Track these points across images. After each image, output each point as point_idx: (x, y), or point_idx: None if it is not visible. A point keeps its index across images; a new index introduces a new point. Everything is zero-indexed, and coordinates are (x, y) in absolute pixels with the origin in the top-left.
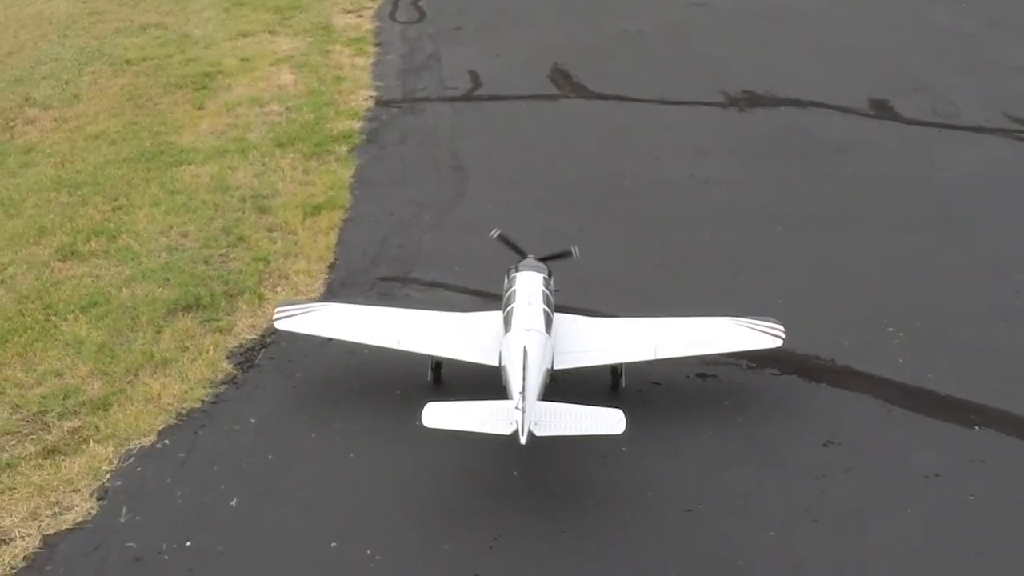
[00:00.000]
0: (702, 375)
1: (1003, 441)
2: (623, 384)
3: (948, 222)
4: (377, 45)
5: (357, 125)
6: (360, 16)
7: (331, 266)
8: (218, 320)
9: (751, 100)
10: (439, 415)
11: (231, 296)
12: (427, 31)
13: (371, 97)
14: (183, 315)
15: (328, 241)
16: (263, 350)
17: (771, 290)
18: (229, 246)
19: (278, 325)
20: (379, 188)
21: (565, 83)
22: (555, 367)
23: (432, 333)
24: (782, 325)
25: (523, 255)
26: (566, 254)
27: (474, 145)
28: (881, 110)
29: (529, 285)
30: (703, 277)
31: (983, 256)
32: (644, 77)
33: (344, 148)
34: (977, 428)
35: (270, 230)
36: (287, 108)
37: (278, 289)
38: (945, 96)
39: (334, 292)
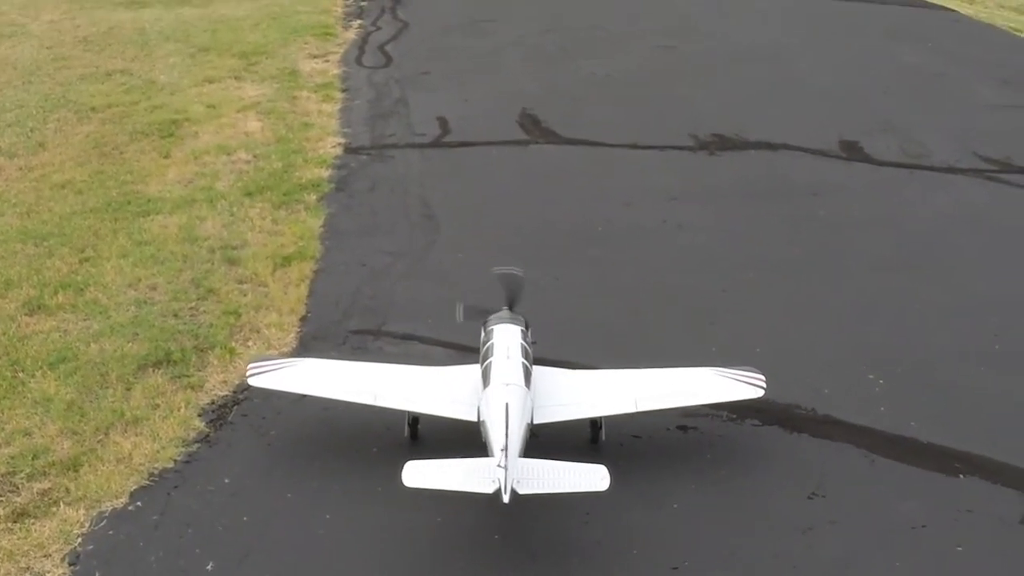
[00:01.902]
0: (683, 427)
1: (989, 489)
2: (603, 437)
3: (923, 264)
4: (344, 91)
5: (326, 173)
6: (326, 61)
7: (303, 319)
8: (189, 376)
9: (721, 143)
10: (420, 474)
11: (202, 351)
12: (394, 76)
13: (339, 144)
14: (153, 371)
15: (299, 293)
16: (236, 407)
17: (749, 337)
18: (199, 299)
19: (252, 382)
20: (349, 237)
21: (535, 128)
22: (535, 421)
23: (408, 388)
24: (763, 375)
25: (495, 310)
26: (516, 284)
27: (445, 193)
28: (852, 151)
29: (507, 338)
30: (680, 325)
31: (960, 298)
32: (614, 121)
33: (313, 197)
34: (962, 476)
35: (240, 282)
36: (255, 156)
37: (249, 343)
38: (914, 136)
39: (306, 346)
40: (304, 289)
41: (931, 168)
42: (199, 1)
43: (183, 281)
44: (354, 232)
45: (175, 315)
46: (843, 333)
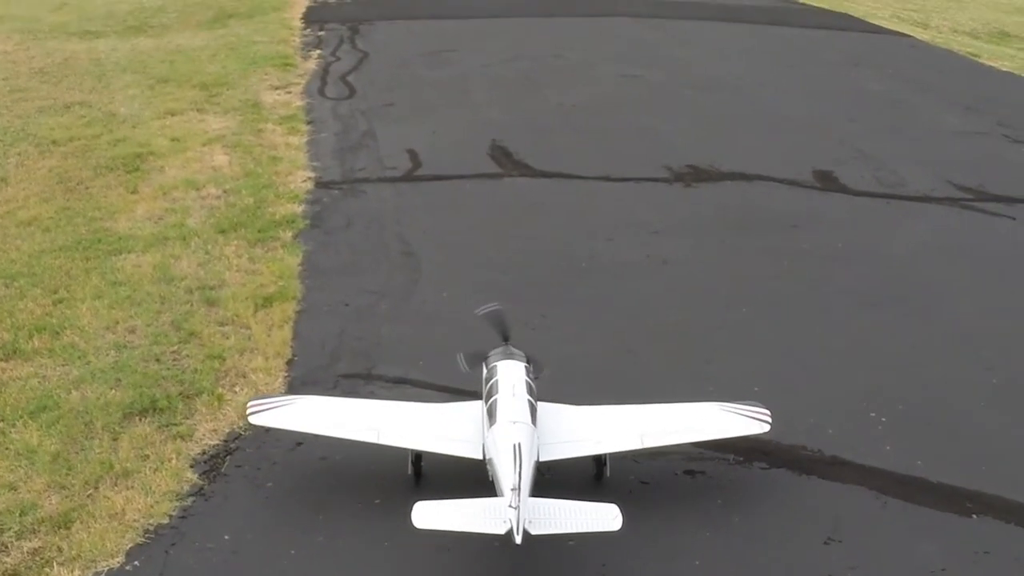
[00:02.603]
0: (690, 472)
1: (1003, 530)
2: (607, 474)
3: (909, 296)
4: (309, 123)
5: (299, 209)
6: (289, 92)
7: (289, 363)
8: (177, 425)
9: (696, 175)
10: (430, 515)
11: (188, 397)
12: (359, 107)
13: (310, 178)
14: (140, 420)
15: (283, 335)
16: (228, 457)
17: (747, 375)
18: (180, 342)
19: (252, 420)
20: (330, 276)
21: (507, 161)
22: (541, 459)
23: (411, 425)
24: (768, 410)
25: (506, 340)
26: (502, 318)
27: (422, 228)
28: (827, 181)
29: (512, 375)
30: (676, 364)
31: (949, 331)
32: (585, 152)
33: (289, 234)
34: (975, 516)
35: (221, 324)
36: (224, 191)
37: (236, 389)
38: (887, 165)
39: (296, 391)
40: (288, 331)
41: (907, 197)
42: (153, 31)
43: (162, 323)
44: (334, 271)
45: (157, 360)
46: (839, 370)
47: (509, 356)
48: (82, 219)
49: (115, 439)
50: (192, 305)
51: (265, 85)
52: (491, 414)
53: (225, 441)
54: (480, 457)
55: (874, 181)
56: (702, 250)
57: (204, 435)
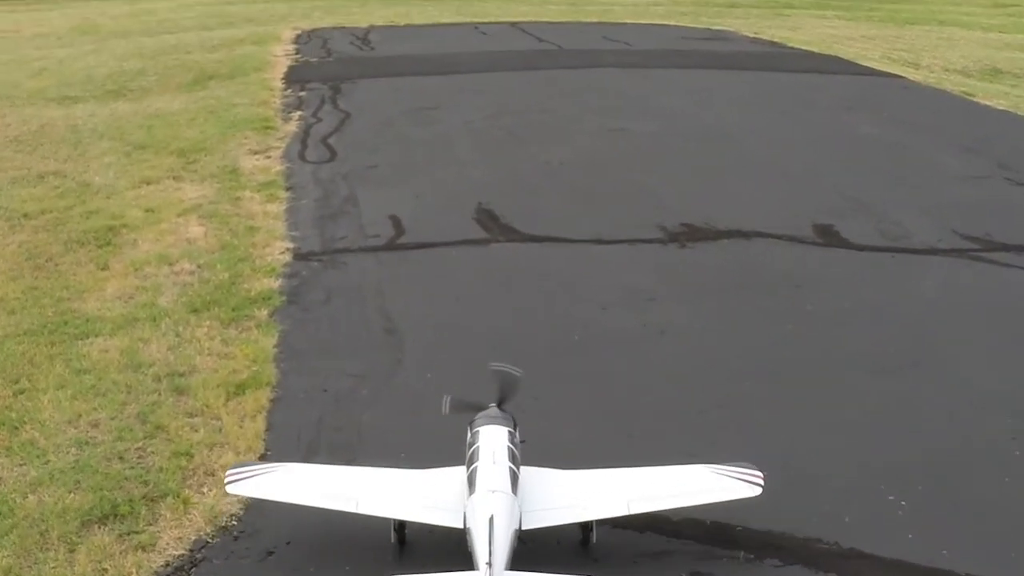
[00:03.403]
0: (696, 574)
1: None
2: (594, 540)
3: (923, 360)
4: (288, 189)
5: (276, 284)
6: (268, 157)
7: (262, 458)
8: (139, 533)
9: (691, 234)
10: None
11: (152, 501)
12: (340, 171)
13: (288, 250)
14: (99, 528)
15: (256, 427)
16: (193, 569)
17: (754, 459)
18: (146, 437)
19: (230, 489)
20: (307, 359)
21: (493, 225)
22: (523, 527)
23: (392, 493)
24: (760, 472)
25: (483, 407)
26: (512, 384)
27: (405, 302)
28: (828, 236)
29: (493, 440)
30: (678, 447)
31: (967, 398)
32: (575, 213)
33: (264, 312)
34: None
35: (191, 415)
36: (199, 266)
37: (204, 489)
38: (889, 216)
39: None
40: (261, 422)
41: (912, 251)
42: (133, 95)
43: (128, 416)
44: (312, 352)
45: (120, 458)
46: (853, 448)
47: (493, 420)
48: (49, 299)
49: (72, 551)
50: (160, 395)
51: (244, 150)
52: (471, 482)
53: (191, 551)
54: (461, 526)
55: (877, 234)
56: (701, 317)
57: (168, 544)
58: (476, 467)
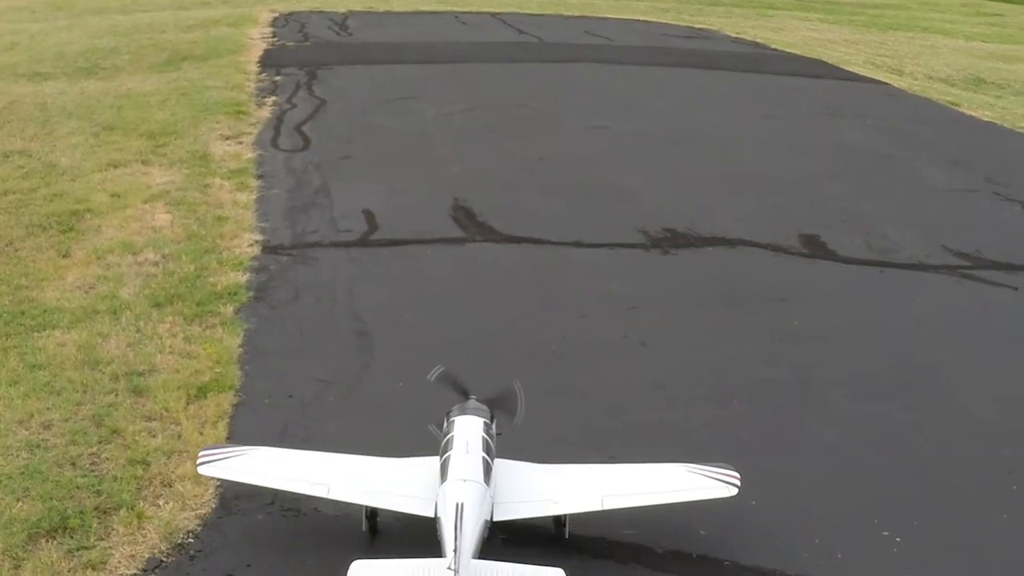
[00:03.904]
0: None
1: None
2: (567, 534)
3: (913, 383)
4: (260, 177)
5: (243, 278)
6: (240, 143)
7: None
8: (89, 549)
9: (674, 240)
10: (366, 574)
11: (104, 513)
12: (313, 160)
13: (256, 242)
14: (47, 542)
15: (217, 435)
16: None
17: (743, 486)
18: (100, 442)
19: (202, 471)
20: (273, 360)
21: (470, 223)
22: (495, 518)
23: (364, 480)
24: (737, 472)
25: (466, 396)
26: (510, 398)
27: (376, 302)
28: (814, 248)
29: (468, 430)
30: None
31: (961, 425)
32: (554, 214)
33: (230, 308)
34: None
35: (149, 419)
36: (163, 256)
37: (160, 502)
38: (876, 228)
39: (228, 507)
40: (223, 429)
41: (901, 265)
42: (104, 74)
43: (82, 418)
44: (278, 353)
45: (73, 464)
46: (845, 477)
47: (468, 411)
48: (7, 287)
49: (17, 567)
50: (117, 395)
51: (215, 135)
52: (443, 470)
53: (144, 571)
54: (432, 515)
55: (864, 247)
56: (684, 330)
57: (120, 562)
58: (449, 456)
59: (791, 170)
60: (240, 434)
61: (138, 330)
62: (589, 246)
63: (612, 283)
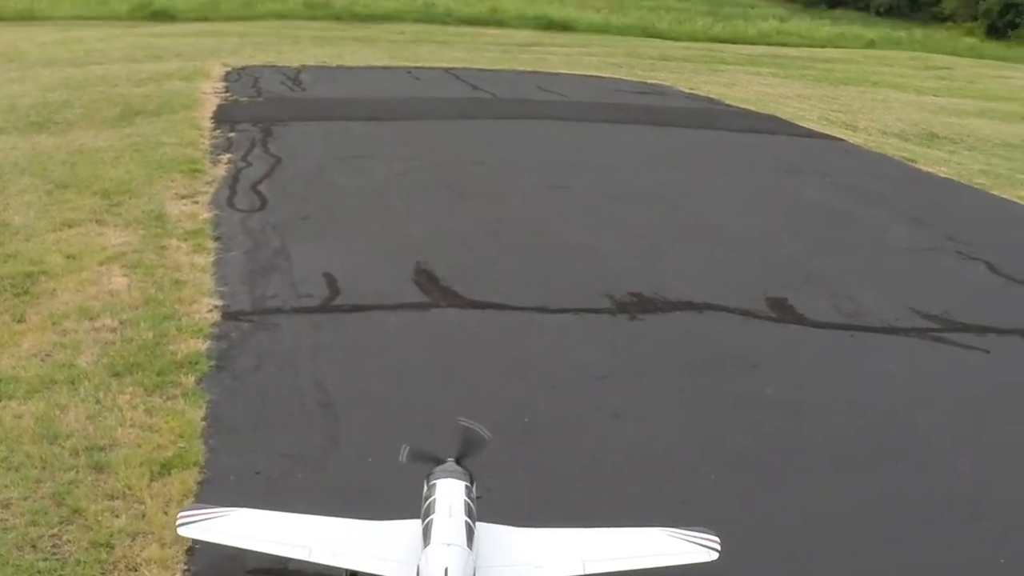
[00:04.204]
0: None
1: None
2: None
3: (893, 452)
4: (217, 239)
5: (204, 346)
6: (196, 203)
7: (189, 551)
8: None
9: (640, 304)
10: None
11: None
12: (271, 221)
13: (216, 307)
14: None
15: None
16: None
17: (724, 566)
18: (62, 522)
19: (182, 531)
20: (238, 435)
21: (433, 287)
22: None
23: (346, 543)
24: (717, 536)
25: (441, 460)
26: (472, 439)
27: (341, 373)
28: (782, 311)
29: (450, 494)
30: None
31: (944, 496)
32: (517, 277)
33: (191, 378)
34: None
35: (111, 497)
36: (121, 322)
37: None
38: (842, 289)
39: None
40: None
41: (870, 329)
42: (57, 128)
43: (42, 496)
44: (242, 427)
45: (33, 546)
46: (830, 554)
47: (448, 474)
48: None
49: None
50: (78, 472)
51: (171, 193)
52: (426, 535)
53: None
54: None
55: (832, 309)
56: (655, 400)
57: None
58: (432, 520)
59: (751, 229)
60: None
61: (98, 401)
62: (555, 311)
63: (580, 351)
